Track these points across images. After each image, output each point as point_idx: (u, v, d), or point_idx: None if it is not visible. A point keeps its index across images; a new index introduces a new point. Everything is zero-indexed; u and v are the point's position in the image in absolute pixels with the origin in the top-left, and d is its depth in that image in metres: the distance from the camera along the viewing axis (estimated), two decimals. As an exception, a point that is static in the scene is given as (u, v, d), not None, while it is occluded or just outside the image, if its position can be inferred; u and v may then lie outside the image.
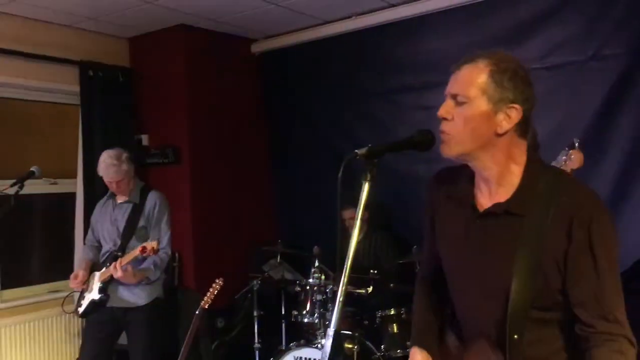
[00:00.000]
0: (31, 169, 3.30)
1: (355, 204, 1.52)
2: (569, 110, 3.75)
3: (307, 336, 3.90)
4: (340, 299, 1.51)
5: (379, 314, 3.90)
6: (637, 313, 1.67)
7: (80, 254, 4.15)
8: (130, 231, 3.57)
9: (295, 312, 3.90)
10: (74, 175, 4.72)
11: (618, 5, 3.65)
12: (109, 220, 3.66)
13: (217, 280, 3.69)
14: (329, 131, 5.06)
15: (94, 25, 4.68)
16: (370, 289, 3.78)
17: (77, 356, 4.43)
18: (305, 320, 3.82)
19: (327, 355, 1.46)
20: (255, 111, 5.45)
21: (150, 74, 5.04)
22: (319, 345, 3.62)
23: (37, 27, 4.49)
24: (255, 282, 4.45)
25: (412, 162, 4.32)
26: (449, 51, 4.16)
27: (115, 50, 5.03)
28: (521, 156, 1.58)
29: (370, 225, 4.41)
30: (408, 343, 1.74)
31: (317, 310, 3.76)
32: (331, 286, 3.77)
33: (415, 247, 3.91)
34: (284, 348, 3.99)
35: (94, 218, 3.83)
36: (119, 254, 3.49)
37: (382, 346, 3.80)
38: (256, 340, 4.47)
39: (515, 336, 1.50)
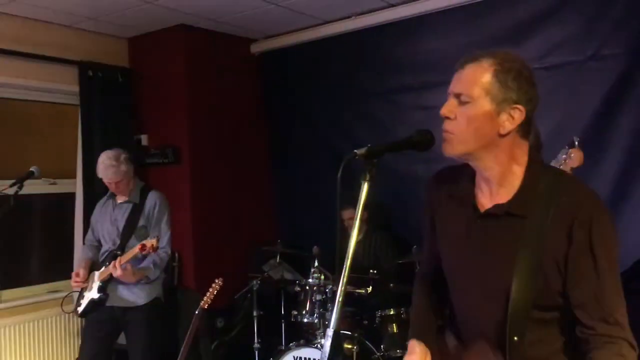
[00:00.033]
0: (30, 169, 3.30)
1: (354, 204, 1.52)
2: (568, 111, 3.75)
3: (306, 336, 3.90)
4: (340, 299, 1.51)
5: (378, 314, 3.90)
6: (637, 313, 1.67)
7: (80, 253, 4.15)
8: (130, 231, 3.57)
9: (295, 312, 3.90)
10: (73, 176, 4.72)
11: (617, 6, 3.65)
12: (109, 220, 3.66)
13: (216, 280, 3.69)
14: (329, 131, 5.06)
15: (93, 25, 4.68)
16: (369, 289, 3.78)
17: (76, 356, 4.44)
18: (305, 320, 3.82)
19: (327, 355, 1.46)
20: (255, 111, 5.45)
21: (150, 74, 5.04)
22: (319, 345, 3.62)
23: (36, 27, 4.48)
24: (254, 282, 4.45)
25: (412, 162, 4.33)
26: (448, 51, 4.17)
27: (114, 50, 5.03)
28: (523, 157, 1.57)
29: (370, 225, 4.42)
30: (407, 343, 1.74)
31: (316, 310, 3.77)
32: (331, 286, 3.77)
33: (415, 247, 3.92)
34: (283, 348, 3.98)
35: (94, 218, 3.83)
36: (119, 253, 3.49)
37: (382, 346, 3.80)
38: (256, 340, 4.46)
39: (516, 338, 1.50)
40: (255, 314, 4.48)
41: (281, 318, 4.53)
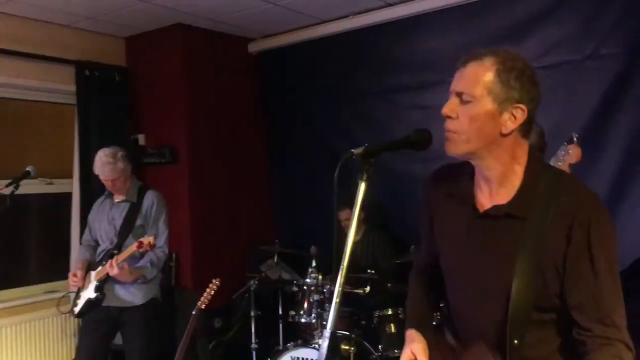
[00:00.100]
0: (27, 169, 3.30)
1: (351, 204, 1.51)
2: (566, 110, 3.75)
3: (304, 336, 3.90)
4: (337, 300, 1.50)
5: (376, 314, 3.89)
6: (635, 313, 1.67)
7: (77, 254, 4.14)
8: (127, 230, 3.56)
9: (293, 312, 3.89)
10: (70, 175, 4.71)
11: (614, 5, 3.65)
12: (106, 220, 3.65)
13: (213, 281, 3.68)
14: (327, 130, 5.06)
15: (90, 24, 4.67)
16: (367, 289, 3.77)
17: (73, 356, 4.43)
18: (303, 320, 3.81)
19: (324, 356, 1.45)
20: (253, 111, 5.44)
21: (147, 73, 5.03)
22: (316, 346, 3.61)
23: (33, 27, 4.47)
24: (252, 282, 4.44)
25: (409, 161, 4.32)
26: (445, 51, 4.17)
27: (111, 49, 5.01)
28: (523, 156, 1.57)
29: (368, 225, 4.41)
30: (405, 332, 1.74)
31: (314, 310, 3.76)
32: (328, 286, 3.76)
33: (412, 246, 3.91)
34: (281, 348, 3.97)
35: (91, 217, 3.81)
36: (115, 252, 3.48)
37: (380, 346, 3.79)
38: (253, 341, 4.46)
39: (516, 341, 1.49)
40: (252, 314, 4.47)
41: (279, 318, 4.52)
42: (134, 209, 3.59)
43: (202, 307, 3.63)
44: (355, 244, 1.44)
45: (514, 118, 1.50)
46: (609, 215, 1.52)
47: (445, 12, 4.29)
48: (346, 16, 4.71)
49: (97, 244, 3.71)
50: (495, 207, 1.56)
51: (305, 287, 3.85)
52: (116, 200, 3.66)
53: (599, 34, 3.71)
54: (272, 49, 5.28)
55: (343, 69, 4.93)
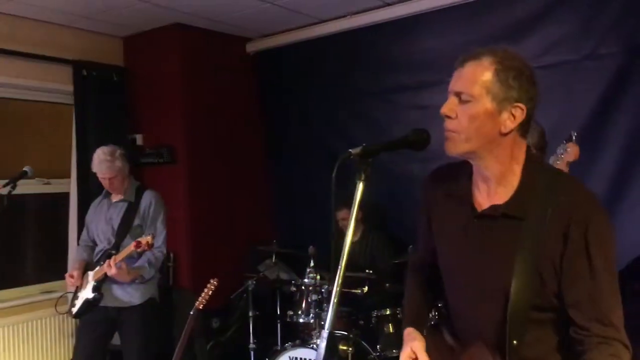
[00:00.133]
0: (24, 168, 3.29)
1: (349, 204, 1.51)
2: (565, 110, 3.74)
3: (302, 336, 3.90)
4: (335, 300, 1.49)
5: (374, 313, 3.89)
6: (633, 314, 1.66)
7: (74, 254, 4.13)
8: (125, 230, 3.55)
9: (291, 312, 3.89)
10: (67, 175, 4.70)
11: (613, 5, 3.65)
12: (103, 220, 3.64)
13: (211, 281, 3.67)
14: (324, 130, 5.05)
15: (88, 24, 4.66)
16: (365, 289, 3.77)
17: (70, 356, 4.41)
18: (301, 320, 3.82)
19: (322, 357, 1.45)
20: (251, 110, 5.44)
21: (145, 73, 5.02)
22: (314, 346, 3.61)
23: (30, 26, 4.46)
24: (250, 282, 4.43)
25: (407, 161, 4.32)
26: (444, 50, 4.16)
27: (109, 49, 5.01)
28: (521, 156, 1.57)
29: (367, 225, 4.41)
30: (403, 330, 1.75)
31: (312, 311, 3.76)
32: (327, 286, 3.76)
33: (410, 246, 3.90)
34: (279, 348, 3.97)
35: (88, 217, 3.80)
36: (113, 252, 3.47)
37: (378, 346, 3.79)
38: (251, 341, 4.45)
39: (515, 341, 1.49)
40: (250, 314, 4.46)
41: (277, 318, 4.52)
42: (132, 209, 3.58)
43: (200, 307, 3.62)
44: (353, 244, 1.44)
45: (513, 117, 1.50)
46: (607, 215, 1.52)
47: (443, 12, 4.28)
48: (344, 16, 4.70)
49: (95, 244, 3.70)
50: (493, 207, 1.56)
51: (303, 287, 3.85)
52: (114, 200, 3.65)
53: (598, 33, 3.70)
54: (270, 48, 5.27)
55: (341, 68, 4.93)
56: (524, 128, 1.54)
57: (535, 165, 1.58)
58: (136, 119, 5.07)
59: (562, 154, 2.65)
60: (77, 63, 4.65)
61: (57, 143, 4.86)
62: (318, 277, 3.82)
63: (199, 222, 4.92)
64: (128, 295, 3.54)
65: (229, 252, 5.06)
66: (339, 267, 1.50)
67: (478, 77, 1.49)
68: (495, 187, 1.57)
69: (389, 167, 4.35)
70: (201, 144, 4.98)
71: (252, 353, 4.45)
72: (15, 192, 3.22)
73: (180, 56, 4.89)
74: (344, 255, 1.51)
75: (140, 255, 3.47)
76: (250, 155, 5.39)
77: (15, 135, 4.64)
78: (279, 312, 4.52)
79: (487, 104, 1.49)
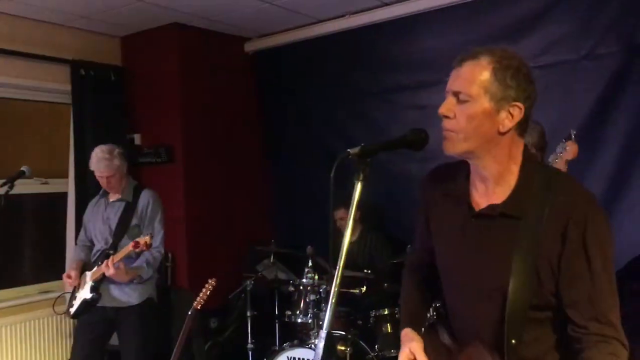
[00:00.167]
0: (21, 168, 3.28)
1: (347, 203, 1.51)
2: (564, 109, 3.75)
3: (300, 336, 3.90)
4: (333, 301, 1.49)
5: (372, 313, 3.89)
6: (631, 313, 1.66)
7: (72, 254, 4.12)
8: (123, 230, 3.54)
9: (289, 312, 3.89)
10: (65, 175, 4.69)
11: (611, 4, 3.66)
12: (101, 219, 3.63)
13: (209, 281, 3.66)
14: (323, 130, 5.05)
15: (86, 23, 4.65)
16: (364, 289, 3.77)
17: (68, 357, 4.41)
18: (299, 320, 3.81)
19: (320, 357, 1.45)
20: (249, 110, 5.43)
21: (143, 72, 5.01)
22: (313, 346, 3.61)
23: (28, 26, 4.45)
24: (248, 282, 4.43)
25: (406, 161, 4.32)
26: (443, 50, 4.16)
27: (107, 48, 5.00)
28: (519, 156, 1.57)
29: (365, 225, 4.41)
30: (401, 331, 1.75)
31: (310, 311, 3.75)
32: (325, 286, 3.76)
33: (409, 246, 3.90)
34: (277, 348, 3.97)
35: (86, 217, 3.80)
36: (111, 252, 3.46)
37: (376, 346, 3.79)
38: (249, 341, 4.45)
39: (514, 341, 1.49)
40: (249, 314, 4.46)
41: (275, 318, 4.52)
42: (130, 209, 3.57)
43: (198, 307, 3.61)
44: (351, 244, 1.43)
45: (511, 116, 1.50)
46: (605, 215, 1.52)
47: (442, 12, 4.28)
48: (343, 16, 4.70)
49: (93, 244, 3.69)
50: (491, 207, 1.56)
51: (301, 287, 3.85)
52: (111, 200, 3.64)
53: (597, 33, 3.71)
54: (269, 48, 5.27)
55: (340, 68, 4.93)
56: (521, 127, 1.54)
57: (533, 165, 1.58)
58: (134, 119, 5.07)
59: (561, 153, 2.65)
60: (75, 63, 4.64)
61: (55, 143, 4.85)
62: (316, 277, 3.81)
63: (197, 221, 4.91)
64: (126, 296, 3.53)
65: (227, 252, 5.05)
66: (338, 267, 1.49)
67: (476, 76, 1.49)
68: (493, 186, 1.57)
69: (388, 167, 4.35)
70: (199, 144, 4.97)
71: (250, 353, 4.44)
72: (13, 191, 3.22)
73: (178, 56, 4.88)
74: (342, 255, 1.51)
75: (138, 255, 3.47)
76: (249, 155, 5.39)
77: (13, 134, 4.63)
78: (277, 312, 4.51)
79: (486, 103, 1.49)
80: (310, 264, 3.87)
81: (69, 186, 4.64)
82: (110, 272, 3.34)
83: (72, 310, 3.58)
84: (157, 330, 3.87)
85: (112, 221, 3.58)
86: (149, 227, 3.56)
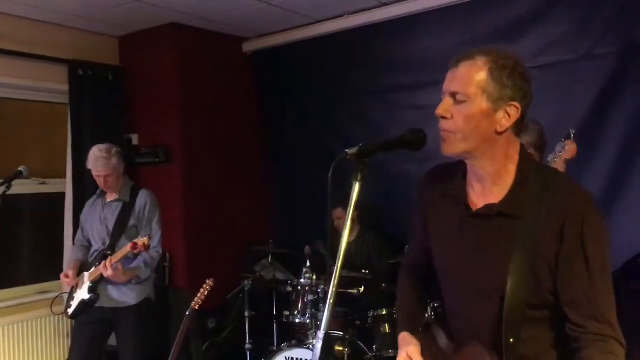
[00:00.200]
0: (19, 168, 3.27)
1: (345, 202, 1.51)
2: (561, 110, 3.75)
3: (298, 336, 3.89)
4: (331, 301, 1.49)
5: (371, 314, 3.88)
6: (628, 313, 1.66)
7: (69, 254, 4.11)
8: (120, 230, 3.54)
9: (287, 313, 3.88)
10: (63, 175, 4.68)
11: (609, 5, 3.66)
12: (98, 220, 3.62)
13: (207, 281, 3.66)
14: (322, 130, 5.05)
15: (84, 23, 4.65)
16: (362, 289, 3.77)
17: (66, 357, 4.40)
18: (297, 320, 3.81)
19: (317, 359, 1.45)
20: (248, 110, 5.43)
21: (141, 72, 5.01)
22: (311, 346, 3.60)
23: (26, 25, 4.44)
24: (246, 282, 4.43)
25: (404, 161, 4.32)
26: (441, 50, 4.15)
27: (105, 48, 4.99)
28: (516, 155, 1.57)
29: (363, 226, 4.41)
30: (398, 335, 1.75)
31: (308, 311, 3.75)
32: (323, 286, 3.75)
33: (407, 247, 3.90)
34: (275, 349, 3.97)
35: (83, 217, 3.79)
36: (109, 252, 3.46)
37: (374, 346, 3.79)
38: (247, 341, 4.45)
39: (512, 340, 1.49)
40: (247, 314, 4.46)
41: (273, 318, 4.52)
42: (127, 209, 3.57)
43: (196, 308, 3.61)
44: (349, 244, 1.43)
45: (508, 116, 1.51)
46: (602, 215, 1.52)
47: (440, 12, 4.29)
48: (341, 16, 4.70)
49: (90, 244, 3.69)
50: (488, 206, 1.57)
51: (299, 288, 3.84)
52: (108, 200, 3.63)
53: (594, 34, 3.71)
54: (267, 48, 5.26)
55: (338, 68, 4.93)
56: (518, 127, 1.55)
57: (530, 165, 1.59)
58: (132, 119, 5.06)
59: (560, 152, 2.64)
60: (73, 62, 4.63)
61: (52, 143, 4.84)
62: (314, 277, 3.81)
63: (195, 222, 4.90)
64: (124, 296, 3.53)
65: (225, 252, 5.05)
66: (336, 267, 1.49)
67: (473, 77, 1.50)
68: (490, 186, 1.58)
69: (386, 167, 4.35)
70: (197, 144, 4.97)
71: (248, 353, 4.44)
72: (10, 192, 3.20)
73: (176, 56, 4.87)
74: (340, 255, 1.51)
75: (136, 255, 3.46)
76: (247, 155, 5.38)
77: (11, 134, 4.61)
78: (275, 313, 4.51)
79: (483, 103, 1.49)
80: (308, 264, 3.87)
81: (67, 186, 4.63)
82: (108, 273, 3.33)
83: (70, 310, 3.57)
84: (155, 331, 3.86)
85: (110, 222, 3.58)
86: (146, 227, 3.55)
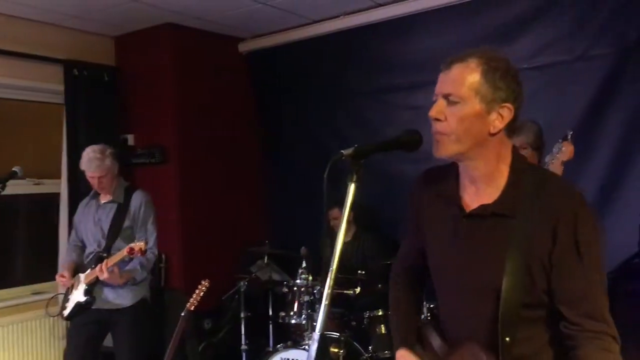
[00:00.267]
0: (13, 169, 3.25)
1: (341, 203, 1.50)
2: (557, 110, 3.76)
3: (294, 337, 3.89)
4: (326, 302, 1.48)
5: (366, 314, 3.88)
6: (625, 313, 1.67)
7: (64, 255, 4.10)
8: (115, 232, 3.52)
9: (283, 314, 3.88)
10: (58, 176, 4.67)
11: (605, 6, 3.67)
12: (92, 221, 3.60)
13: (202, 282, 3.65)
14: (318, 130, 5.05)
15: (79, 23, 4.64)
16: (358, 290, 3.76)
17: (61, 359, 4.38)
18: (293, 321, 3.80)
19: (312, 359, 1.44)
20: (244, 110, 5.42)
21: (137, 73, 4.99)
22: (306, 347, 3.60)
23: (21, 25, 4.42)
24: (242, 283, 4.42)
25: (400, 162, 4.31)
26: (437, 51, 4.15)
27: (100, 49, 4.98)
28: (508, 156, 1.58)
29: (358, 226, 4.40)
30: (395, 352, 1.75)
31: (304, 312, 3.75)
32: (319, 287, 3.75)
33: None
34: (271, 349, 3.96)
35: (76, 218, 3.77)
36: (104, 255, 3.44)
37: (370, 347, 3.78)
38: (243, 342, 4.44)
39: (507, 339, 1.50)
40: (242, 315, 4.45)
41: (269, 319, 4.52)
42: (122, 210, 3.55)
43: (192, 309, 3.60)
44: (345, 244, 1.43)
45: (501, 117, 1.52)
46: (594, 214, 1.54)
47: (437, 13, 4.29)
48: (337, 16, 4.70)
49: (84, 245, 3.66)
50: (482, 207, 1.57)
51: (295, 288, 3.84)
52: (102, 201, 3.61)
53: (590, 35, 3.73)
54: (263, 48, 5.26)
55: (335, 69, 4.93)
56: (510, 128, 1.56)
57: (522, 165, 1.60)
58: (128, 119, 5.05)
59: (557, 153, 2.64)
60: (68, 62, 4.62)
61: (47, 143, 4.82)
62: (310, 278, 3.80)
63: (191, 222, 4.89)
64: (120, 297, 3.51)
65: (221, 253, 5.04)
66: (331, 268, 1.49)
67: (466, 78, 1.50)
68: (483, 187, 1.59)
69: (382, 168, 4.34)
70: (193, 144, 4.96)
71: (244, 354, 4.44)
72: (5, 192, 3.19)
73: (172, 56, 4.87)
74: (335, 256, 1.50)
75: (132, 258, 3.45)
76: (243, 156, 5.38)
77: (5, 135, 4.60)
78: (270, 313, 4.51)
79: (476, 105, 1.50)
80: (304, 264, 3.86)
81: (62, 187, 4.62)
82: (104, 276, 3.32)
83: (65, 312, 3.56)
84: (150, 332, 3.85)
85: (104, 223, 3.56)
86: (142, 228, 3.54)
